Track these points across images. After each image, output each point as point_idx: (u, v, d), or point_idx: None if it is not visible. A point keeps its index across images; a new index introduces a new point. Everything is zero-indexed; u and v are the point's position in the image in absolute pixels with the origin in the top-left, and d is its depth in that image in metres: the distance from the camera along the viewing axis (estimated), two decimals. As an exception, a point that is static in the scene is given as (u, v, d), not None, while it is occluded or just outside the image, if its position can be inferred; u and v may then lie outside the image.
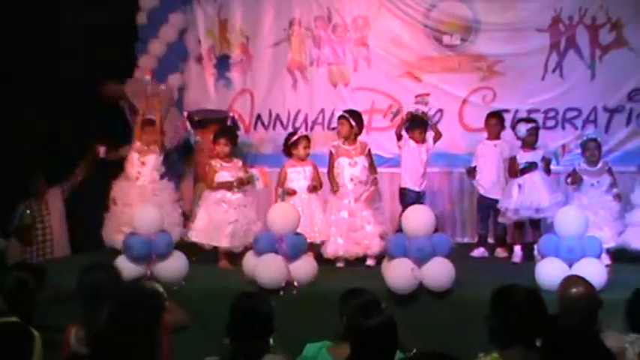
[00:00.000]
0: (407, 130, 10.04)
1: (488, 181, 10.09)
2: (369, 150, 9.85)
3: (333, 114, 11.28)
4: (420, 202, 9.76)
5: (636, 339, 4.29)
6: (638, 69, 11.01)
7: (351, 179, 9.59)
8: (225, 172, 9.55)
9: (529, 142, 9.73)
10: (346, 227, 9.44)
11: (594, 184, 9.51)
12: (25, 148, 10.40)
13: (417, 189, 9.97)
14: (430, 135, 10.09)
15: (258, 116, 11.75)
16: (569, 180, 9.65)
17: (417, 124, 10.03)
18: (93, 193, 10.28)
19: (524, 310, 4.35)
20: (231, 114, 11.48)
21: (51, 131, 10.61)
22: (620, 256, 9.26)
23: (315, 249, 9.24)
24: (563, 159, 9.94)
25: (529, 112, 10.92)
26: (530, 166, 9.57)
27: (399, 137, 10.05)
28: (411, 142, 9.99)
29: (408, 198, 9.84)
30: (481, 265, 9.44)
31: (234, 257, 9.25)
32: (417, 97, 10.30)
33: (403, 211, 8.69)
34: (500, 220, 9.82)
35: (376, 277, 8.06)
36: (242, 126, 11.58)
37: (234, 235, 9.38)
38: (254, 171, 9.77)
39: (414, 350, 4.82)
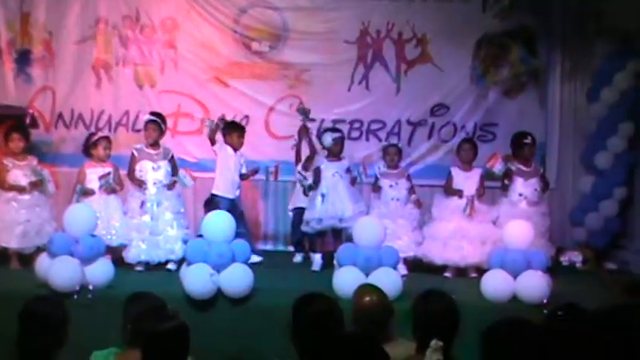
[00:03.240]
0: (224, 136, 9.90)
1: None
2: (173, 155, 9.76)
3: (138, 116, 11.09)
4: (234, 210, 9.71)
5: (438, 346, 4.29)
6: (441, 84, 11.32)
7: (154, 183, 9.44)
8: (18, 170, 9.27)
9: (334, 152, 9.80)
10: (148, 231, 9.32)
11: (393, 185, 9.72)
12: None
13: (230, 196, 9.86)
14: None
15: (60, 114, 11.34)
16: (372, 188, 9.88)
17: (234, 129, 9.96)
18: None
19: (322, 319, 4.39)
20: (30, 111, 11.05)
21: None
22: (417, 266, 9.47)
23: (113, 251, 9.03)
24: (367, 177, 10.02)
25: (335, 122, 11.02)
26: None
27: (213, 142, 9.89)
28: (228, 148, 9.87)
29: (221, 205, 9.67)
30: (281, 273, 9.44)
31: (27, 259, 8.97)
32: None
33: None
34: (304, 228, 9.83)
35: (175, 281, 7.98)
36: (42, 124, 11.21)
37: (26, 235, 9.14)
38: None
39: None
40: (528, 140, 9.88)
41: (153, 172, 9.48)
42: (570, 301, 4.58)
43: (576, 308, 4.41)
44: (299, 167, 10.11)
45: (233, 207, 9.77)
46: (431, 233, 9.64)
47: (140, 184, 9.43)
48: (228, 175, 9.87)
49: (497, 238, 9.13)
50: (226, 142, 9.88)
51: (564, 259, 9.93)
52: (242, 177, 9.99)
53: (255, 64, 11.37)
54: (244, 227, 9.95)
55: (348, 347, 3.55)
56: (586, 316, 4.30)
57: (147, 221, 9.36)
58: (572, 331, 4.13)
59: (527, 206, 9.72)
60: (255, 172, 10.11)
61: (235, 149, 9.90)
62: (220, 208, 9.47)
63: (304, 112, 10.38)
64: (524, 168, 9.84)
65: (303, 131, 10.33)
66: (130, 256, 9.27)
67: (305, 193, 10.00)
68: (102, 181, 9.33)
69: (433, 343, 4.24)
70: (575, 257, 9.95)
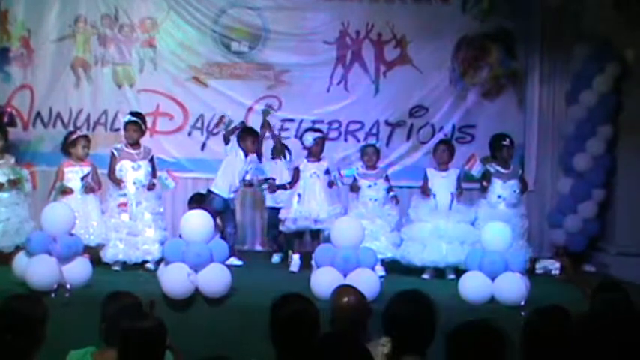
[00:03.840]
0: (238, 139, 9.96)
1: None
2: (153, 156, 9.73)
3: (116, 115, 11.08)
4: (227, 210, 9.85)
5: (387, 341, 4.37)
6: (420, 86, 11.34)
7: (134, 182, 9.40)
8: (-4, 169, 9.22)
9: (315, 152, 9.80)
10: (126, 231, 9.28)
11: (371, 185, 9.71)
12: None
13: (225, 196, 9.87)
14: None
15: (38, 113, 11.27)
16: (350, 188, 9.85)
17: (248, 134, 10.00)
18: None
19: (299, 320, 4.39)
20: (8, 109, 11.02)
21: None
22: (395, 267, 9.47)
23: (91, 251, 8.99)
24: (345, 179, 9.99)
25: (314, 122, 11.03)
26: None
27: (227, 142, 10.01)
28: (240, 152, 9.92)
29: (215, 203, 9.72)
30: (259, 273, 9.43)
31: (6, 257, 8.88)
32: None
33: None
34: (281, 228, 9.84)
35: (153, 281, 7.97)
36: (20, 122, 11.16)
37: (5, 234, 9.11)
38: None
39: None
40: (507, 142, 9.90)
41: (133, 171, 9.43)
42: (555, 304, 4.57)
43: (561, 310, 4.40)
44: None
45: (226, 206, 9.86)
46: (409, 234, 9.64)
47: (119, 184, 9.39)
48: (229, 177, 9.92)
49: (476, 239, 9.12)
50: (240, 146, 9.92)
51: (539, 267, 9.99)
52: (244, 182, 10.03)
53: (235, 64, 11.36)
54: (233, 227, 10.00)
55: (329, 346, 3.55)
56: (570, 318, 4.30)
57: (125, 221, 9.33)
58: (554, 332, 4.14)
59: (505, 208, 9.74)
60: (250, 185, 10.15)
61: (247, 154, 9.94)
62: (214, 205, 9.54)
63: (266, 112, 10.39)
64: (502, 170, 9.85)
65: (266, 126, 10.33)
66: (108, 255, 9.23)
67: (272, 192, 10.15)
68: (83, 181, 9.30)
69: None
70: (551, 265, 10.01)
